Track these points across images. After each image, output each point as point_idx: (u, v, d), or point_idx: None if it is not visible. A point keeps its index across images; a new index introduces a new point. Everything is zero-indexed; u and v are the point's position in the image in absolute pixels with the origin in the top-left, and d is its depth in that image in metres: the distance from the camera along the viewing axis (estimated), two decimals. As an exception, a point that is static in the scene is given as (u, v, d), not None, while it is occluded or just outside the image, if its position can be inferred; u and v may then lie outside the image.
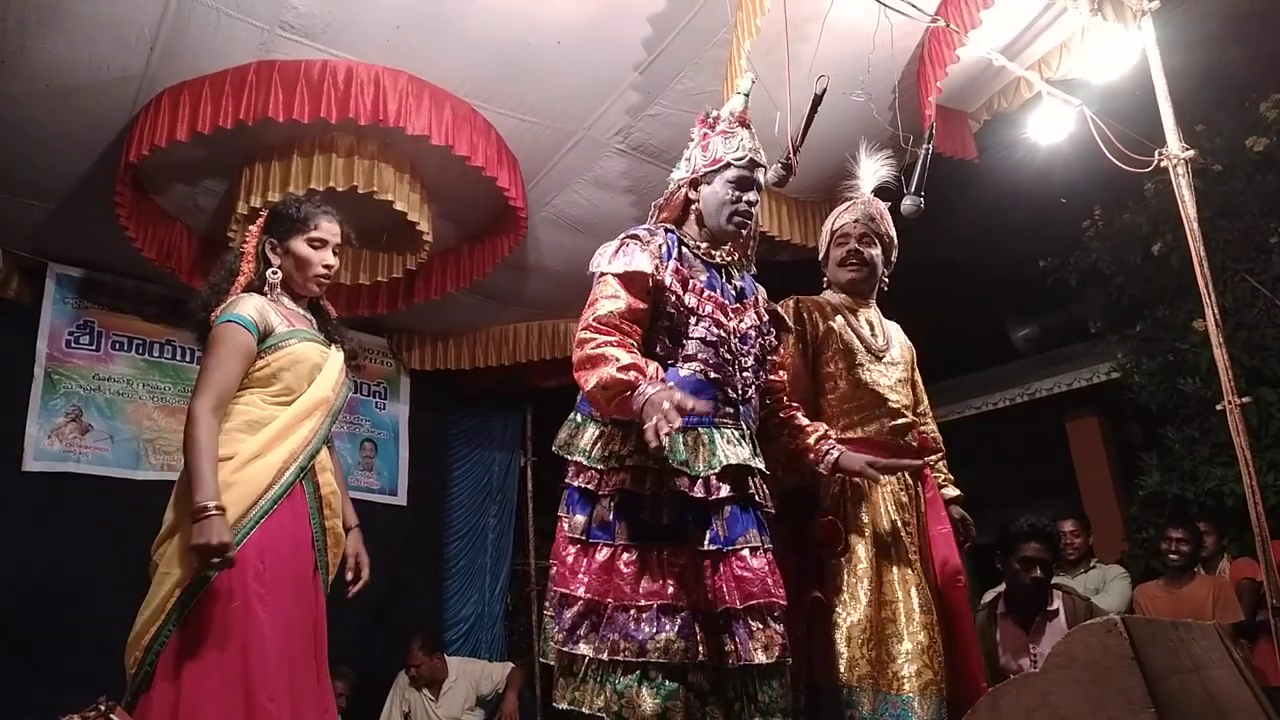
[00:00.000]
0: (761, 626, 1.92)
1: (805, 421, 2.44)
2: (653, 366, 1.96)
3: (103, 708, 1.85)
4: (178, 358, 5.07)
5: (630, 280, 2.05)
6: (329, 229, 2.50)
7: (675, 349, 2.10)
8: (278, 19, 3.25)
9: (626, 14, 3.39)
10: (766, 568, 1.98)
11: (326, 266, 2.51)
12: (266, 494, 2.23)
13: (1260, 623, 3.99)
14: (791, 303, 2.76)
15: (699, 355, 2.09)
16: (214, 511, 2.08)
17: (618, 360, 1.90)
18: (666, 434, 1.74)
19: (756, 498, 2.07)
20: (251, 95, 3.34)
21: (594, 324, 2.00)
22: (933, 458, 3.00)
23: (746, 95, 2.32)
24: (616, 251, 2.10)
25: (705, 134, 2.29)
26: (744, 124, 2.29)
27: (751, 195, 2.21)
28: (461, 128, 3.63)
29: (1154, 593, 4.42)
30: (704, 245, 2.23)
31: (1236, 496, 4.27)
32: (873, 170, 2.81)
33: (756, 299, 2.28)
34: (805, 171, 2.91)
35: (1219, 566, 4.52)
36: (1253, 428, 4.01)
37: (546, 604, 2.14)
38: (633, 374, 1.87)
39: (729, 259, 2.27)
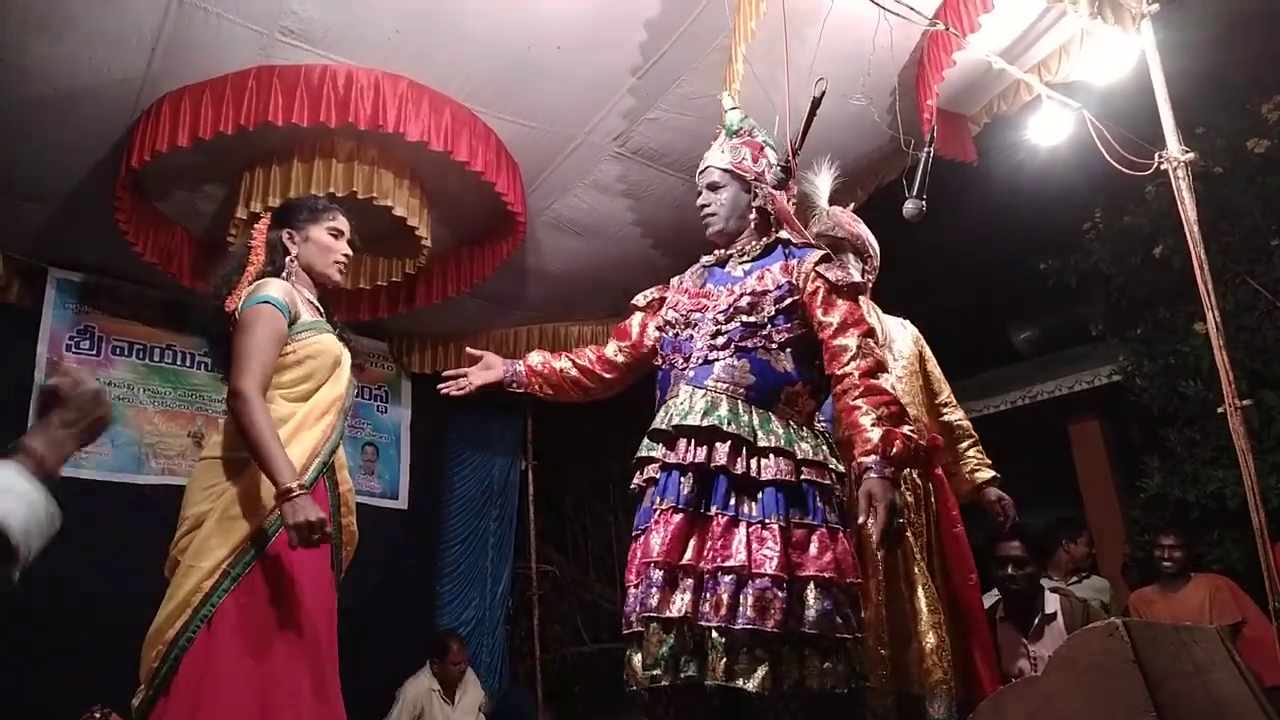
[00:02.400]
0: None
1: (861, 421, 2.10)
2: (534, 360, 2.59)
3: (98, 715, 1.85)
4: (178, 363, 5.07)
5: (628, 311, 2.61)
6: (344, 223, 2.58)
7: (664, 350, 2.36)
8: (277, 24, 3.25)
9: (625, 19, 3.39)
10: (652, 531, 2.09)
11: (345, 255, 2.57)
12: None
13: None
14: None
15: (667, 352, 2.33)
16: (299, 491, 2.09)
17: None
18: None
19: (675, 459, 2.12)
20: (251, 100, 3.34)
21: None
22: (964, 444, 3.05)
23: (730, 110, 2.48)
24: None
25: None
26: (714, 140, 2.50)
27: (701, 199, 2.42)
28: (461, 132, 3.63)
29: (1150, 597, 4.42)
30: (716, 253, 2.45)
31: (1238, 499, 4.27)
32: (825, 182, 2.83)
33: (763, 272, 2.28)
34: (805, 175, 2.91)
35: None
36: (1254, 430, 4.02)
37: None
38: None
39: (730, 253, 2.40)
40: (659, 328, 2.41)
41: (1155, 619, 4.05)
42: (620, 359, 2.54)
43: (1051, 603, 3.50)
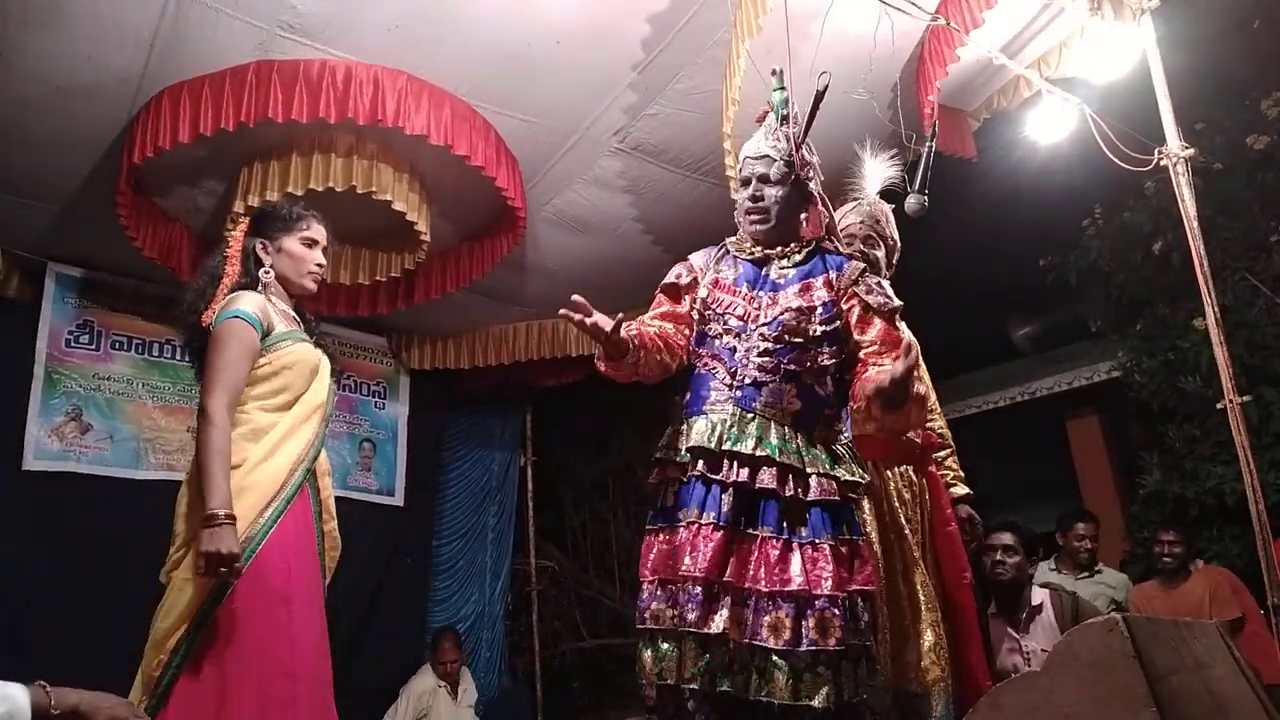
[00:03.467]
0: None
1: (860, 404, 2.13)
2: (634, 330, 2.16)
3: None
4: (177, 357, 5.06)
5: (662, 289, 2.38)
6: (319, 230, 2.57)
7: (699, 346, 2.27)
8: (276, 19, 3.25)
9: (626, 14, 3.38)
10: (687, 542, 2.06)
11: (319, 265, 2.56)
12: (279, 495, 2.25)
13: None
14: None
15: (703, 351, 2.25)
16: (225, 520, 2.08)
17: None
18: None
19: (718, 476, 2.09)
20: (251, 95, 3.33)
21: None
22: (941, 454, 3.03)
23: (775, 90, 2.35)
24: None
25: None
26: (760, 122, 2.37)
27: (752, 190, 2.28)
28: (460, 127, 3.63)
29: (1151, 593, 4.43)
30: (746, 245, 2.34)
31: (1237, 495, 4.27)
32: (877, 171, 2.80)
33: (808, 285, 2.22)
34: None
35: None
36: (1253, 426, 4.02)
37: None
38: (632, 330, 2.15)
39: (770, 253, 2.30)
40: (702, 306, 2.29)
41: (1155, 614, 4.07)
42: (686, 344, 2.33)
43: (1039, 595, 3.51)
